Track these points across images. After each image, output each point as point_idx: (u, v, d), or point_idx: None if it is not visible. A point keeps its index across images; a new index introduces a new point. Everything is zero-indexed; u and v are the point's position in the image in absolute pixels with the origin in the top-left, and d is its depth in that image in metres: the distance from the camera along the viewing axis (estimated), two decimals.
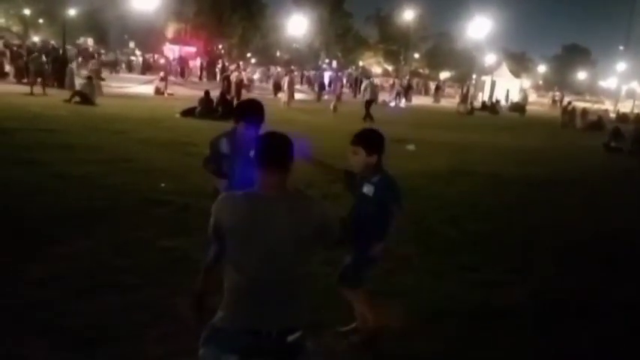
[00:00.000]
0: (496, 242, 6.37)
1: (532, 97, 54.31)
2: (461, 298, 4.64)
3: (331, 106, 22.25)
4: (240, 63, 42.30)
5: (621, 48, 66.00)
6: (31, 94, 17.40)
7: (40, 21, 52.29)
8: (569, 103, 31.93)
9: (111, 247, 4.90)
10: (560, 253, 6.18)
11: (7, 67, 23.27)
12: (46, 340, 3.40)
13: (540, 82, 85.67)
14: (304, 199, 2.32)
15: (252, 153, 3.36)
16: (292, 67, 30.34)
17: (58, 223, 5.51)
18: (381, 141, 3.64)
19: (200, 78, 38.72)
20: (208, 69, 40.80)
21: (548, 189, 9.85)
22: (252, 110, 3.69)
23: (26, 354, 3.25)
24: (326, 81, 35.44)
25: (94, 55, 34.26)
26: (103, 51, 43.96)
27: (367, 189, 3.51)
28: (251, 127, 3.53)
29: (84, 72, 20.35)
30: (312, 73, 46.39)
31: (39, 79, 18.60)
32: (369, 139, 3.61)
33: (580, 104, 36.69)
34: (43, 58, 20.79)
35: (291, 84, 23.78)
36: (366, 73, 54.77)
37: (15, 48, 26.27)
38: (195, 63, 43.51)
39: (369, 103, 20.64)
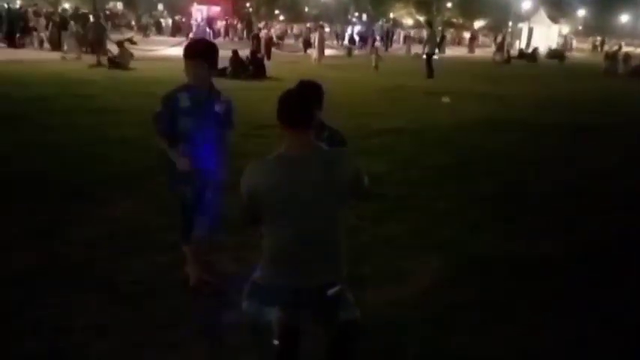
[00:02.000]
0: (534, 193, 6.27)
1: (572, 42, 52.27)
2: (498, 248, 4.62)
3: (373, 63, 21.03)
4: (269, 21, 41.84)
5: None
6: (99, 63, 17.03)
7: None
8: (620, 47, 30.42)
9: (153, 207, 5.03)
10: (598, 202, 6.05)
11: (43, 36, 23.53)
12: (97, 296, 3.54)
13: (580, 27, 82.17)
14: (335, 153, 2.33)
15: (217, 108, 3.35)
16: (321, 23, 29.76)
17: (101, 185, 5.67)
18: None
19: (225, 36, 38.50)
20: (237, 27, 40.51)
21: (587, 136, 9.58)
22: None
23: (79, 309, 3.40)
24: (355, 36, 34.85)
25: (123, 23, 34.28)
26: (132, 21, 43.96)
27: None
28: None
29: (115, 36, 20.40)
30: (339, 27, 45.67)
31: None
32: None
33: (624, 48, 35.13)
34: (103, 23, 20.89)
35: (321, 40, 23.43)
36: (397, 24, 53.48)
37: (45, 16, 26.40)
38: (223, 22, 43.19)
39: (429, 57, 18.62)
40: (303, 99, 2.27)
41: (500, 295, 3.86)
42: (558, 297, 3.88)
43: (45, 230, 4.51)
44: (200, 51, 3.34)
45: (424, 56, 19.73)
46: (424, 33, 39.46)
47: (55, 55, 19.31)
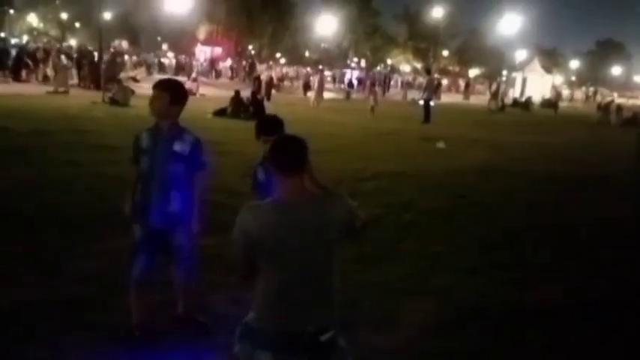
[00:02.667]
0: (529, 240, 6.31)
1: (565, 92, 53.20)
2: (494, 296, 4.62)
3: (369, 107, 21.14)
4: (270, 63, 42.66)
5: None
6: (112, 101, 17.06)
7: (77, 25, 53.58)
8: (612, 101, 31.05)
9: None
10: (595, 251, 6.09)
11: (49, 72, 23.92)
12: (86, 336, 3.52)
13: (573, 78, 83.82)
14: (327, 198, 2.33)
15: (178, 147, 3.31)
16: (321, 67, 30.39)
17: (98, 221, 5.69)
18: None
19: (231, 78, 39.13)
20: (239, 69, 41.23)
21: (583, 186, 9.69)
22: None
23: (66, 349, 3.38)
24: (354, 80, 35.49)
25: (124, 58, 34.85)
26: (134, 57, 44.69)
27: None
28: None
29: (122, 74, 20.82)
30: (337, 71, 46.59)
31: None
32: (282, 127, 3.43)
33: (615, 101, 35.81)
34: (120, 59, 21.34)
35: (320, 83, 23.88)
36: (394, 70, 54.54)
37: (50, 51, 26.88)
38: (225, 64, 44.00)
39: (427, 103, 19.33)
40: (297, 145, 2.28)
41: (494, 343, 3.84)
42: (554, 346, 3.87)
43: (43, 265, 4.51)
44: (163, 83, 3.42)
45: (421, 102, 20.13)
46: (420, 79, 40.32)
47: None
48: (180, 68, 39.70)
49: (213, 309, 3.97)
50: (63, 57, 21.94)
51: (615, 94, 40.22)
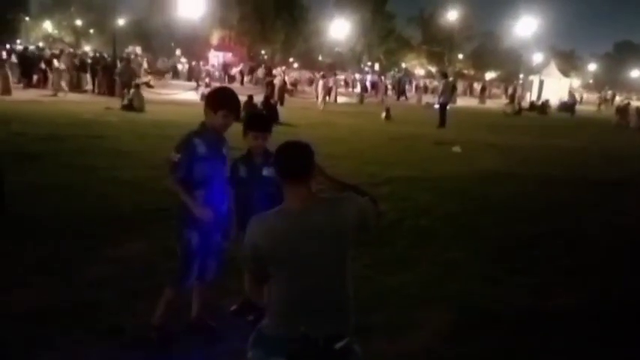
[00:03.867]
0: (545, 246, 6.18)
1: (583, 96, 52.68)
2: (511, 302, 4.53)
3: (382, 116, 20.66)
4: (284, 68, 42.78)
5: None
6: (128, 106, 16.98)
7: (91, 31, 54.25)
8: (628, 103, 30.62)
9: (161, 250, 5.00)
10: (612, 258, 5.95)
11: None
12: (97, 341, 3.50)
13: (591, 81, 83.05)
14: (336, 202, 2.29)
15: (225, 151, 3.39)
16: (323, 73, 30.56)
17: (110, 226, 5.68)
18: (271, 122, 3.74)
19: (241, 82, 39.28)
20: (250, 73, 41.35)
21: (601, 191, 9.52)
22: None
23: (79, 355, 3.36)
24: (367, 83, 35.46)
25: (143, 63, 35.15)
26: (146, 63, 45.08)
27: (268, 172, 3.45)
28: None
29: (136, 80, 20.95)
30: (350, 75, 46.68)
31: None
32: (266, 122, 3.70)
33: (634, 103, 35.36)
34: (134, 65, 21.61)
35: (324, 87, 24.00)
36: (409, 74, 54.43)
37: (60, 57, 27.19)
38: (238, 69, 44.19)
39: (443, 107, 19.01)
40: (302, 150, 2.24)
41: (510, 349, 3.76)
42: (569, 353, 3.78)
43: (54, 270, 4.51)
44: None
45: (436, 106, 19.99)
46: (435, 83, 40.18)
47: (72, 96, 19.74)
48: (193, 74, 39.89)
49: (225, 315, 3.91)
50: (55, 61, 22.10)
51: (634, 97, 39.63)
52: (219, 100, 3.37)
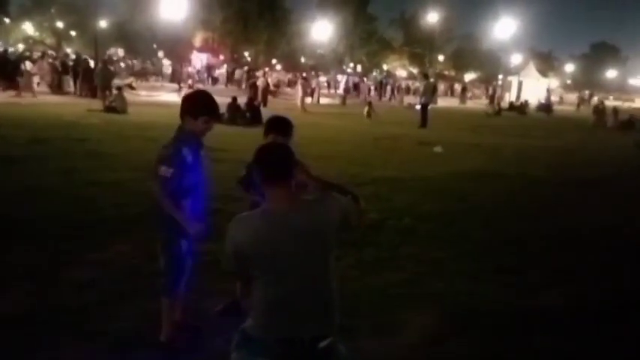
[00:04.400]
0: (530, 244, 6.26)
1: (559, 96, 53.32)
2: (496, 300, 4.57)
3: (365, 111, 21.61)
4: (267, 69, 42.71)
5: None
6: (108, 108, 16.84)
7: (72, 33, 53.61)
8: (602, 102, 31.14)
9: (145, 252, 4.98)
10: (597, 255, 6.04)
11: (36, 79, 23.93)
12: (83, 344, 3.48)
13: (569, 82, 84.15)
14: (316, 203, 2.30)
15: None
16: (304, 75, 30.59)
17: (94, 229, 5.65)
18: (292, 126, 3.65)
19: (227, 85, 39.14)
20: (232, 75, 41.22)
21: (582, 190, 9.67)
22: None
23: (67, 357, 3.34)
24: (350, 85, 35.54)
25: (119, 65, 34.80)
26: (134, 61, 44.70)
27: None
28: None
29: (115, 81, 20.76)
30: (332, 77, 46.80)
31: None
32: (287, 125, 3.58)
33: (610, 103, 35.95)
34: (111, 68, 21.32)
35: (304, 89, 24.08)
36: (390, 76, 54.70)
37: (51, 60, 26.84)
38: (221, 70, 44.03)
39: (424, 108, 19.24)
40: (282, 152, 2.26)
41: (496, 349, 3.80)
42: (557, 352, 3.83)
43: (38, 273, 4.47)
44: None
45: (417, 106, 20.14)
46: (417, 84, 40.44)
47: (53, 99, 19.51)
48: (175, 75, 39.64)
49: (209, 316, 3.92)
50: (27, 63, 21.82)
51: (611, 97, 40.25)
52: (200, 106, 3.29)
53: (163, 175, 3.14)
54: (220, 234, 4.41)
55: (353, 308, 3.79)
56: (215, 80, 40.89)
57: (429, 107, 19.81)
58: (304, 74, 31.37)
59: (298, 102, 23.62)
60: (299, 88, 24.54)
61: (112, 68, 22.89)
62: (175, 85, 30.12)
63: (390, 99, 36.23)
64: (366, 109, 21.86)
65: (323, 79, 44.65)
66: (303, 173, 2.36)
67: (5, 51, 27.18)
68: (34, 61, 25.12)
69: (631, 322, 4.40)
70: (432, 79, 25.78)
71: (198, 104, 3.31)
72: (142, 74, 38.99)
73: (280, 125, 3.56)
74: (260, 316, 2.23)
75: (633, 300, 4.83)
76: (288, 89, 38.16)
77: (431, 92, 20.40)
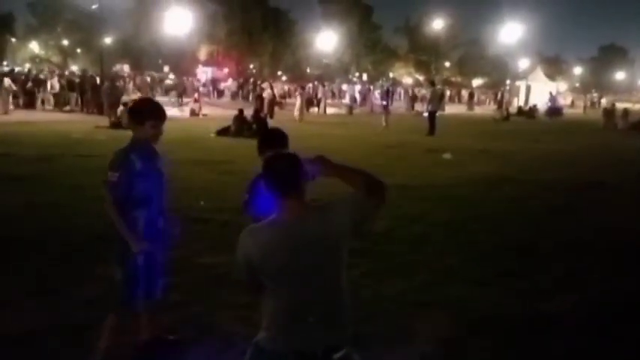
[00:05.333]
0: (542, 250, 6.18)
1: (569, 99, 53.08)
2: (507, 307, 4.51)
3: (383, 123, 21.20)
4: (271, 81, 42.89)
5: None
6: (115, 124, 16.64)
7: (78, 50, 54.19)
8: (613, 105, 30.87)
9: None
10: (609, 258, 5.95)
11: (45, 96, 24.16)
12: None
13: (577, 85, 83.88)
14: (326, 210, 2.23)
15: (160, 165, 3.22)
16: (302, 85, 30.61)
17: (102, 244, 5.59)
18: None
19: (233, 98, 39.29)
20: (241, 88, 41.35)
21: (593, 193, 9.55)
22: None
23: None
24: (357, 94, 35.59)
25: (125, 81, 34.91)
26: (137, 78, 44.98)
27: None
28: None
29: (124, 98, 20.88)
30: (337, 87, 46.94)
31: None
32: (282, 137, 3.31)
33: (621, 105, 35.70)
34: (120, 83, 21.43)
35: (302, 100, 24.17)
36: (396, 83, 54.76)
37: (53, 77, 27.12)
38: (227, 84, 44.21)
39: (432, 115, 19.17)
40: (289, 164, 2.20)
41: (509, 355, 3.75)
42: (569, 358, 3.77)
43: (46, 289, 4.46)
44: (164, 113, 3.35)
45: (425, 114, 20.08)
46: (423, 91, 40.43)
47: (60, 116, 19.65)
48: (182, 90, 39.78)
49: (220, 327, 3.86)
50: (6, 80, 21.92)
51: (611, 99, 40.07)
52: (145, 111, 3.26)
53: (110, 180, 3.09)
54: (229, 247, 4.35)
55: (365, 317, 3.75)
56: (220, 93, 41.05)
57: (437, 114, 19.75)
58: (301, 85, 31.35)
59: (296, 112, 23.63)
60: (297, 99, 24.59)
61: (119, 84, 23.04)
62: (180, 100, 30.16)
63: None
64: (383, 117, 21.66)
65: (327, 88, 44.76)
66: (330, 167, 2.28)
67: (12, 70, 27.45)
68: (41, 81, 25.37)
69: None
70: (438, 87, 25.75)
71: (143, 110, 3.28)
72: (149, 89, 38.99)
73: (275, 139, 3.29)
74: (272, 328, 2.19)
75: None
76: (291, 100, 38.26)
77: (438, 99, 20.32)
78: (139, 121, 3.20)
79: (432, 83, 23.64)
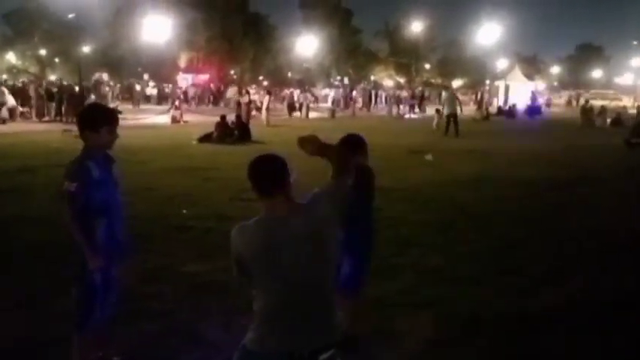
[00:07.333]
0: (527, 247, 6.24)
1: (549, 98, 53.70)
2: (495, 305, 4.54)
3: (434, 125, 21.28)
4: (254, 86, 42.79)
5: (635, 43, 65.09)
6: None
7: (56, 60, 53.54)
8: (587, 101, 31.39)
9: (138, 275, 4.90)
10: (594, 254, 6.02)
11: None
12: None
13: (555, 84, 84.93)
14: (311, 207, 2.23)
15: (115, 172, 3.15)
16: (268, 89, 30.55)
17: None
18: (363, 142, 3.79)
19: (215, 104, 39.09)
20: (219, 95, 41.15)
21: (575, 190, 9.66)
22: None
23: None
24: (339, 98, 35.65)
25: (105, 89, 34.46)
26: (115, 84, 44.58)
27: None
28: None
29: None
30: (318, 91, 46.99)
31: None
32: (352, 142, 3.70)
33: (598, 102, 36.22)
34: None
35: (269, 104, 24.09)
36: (378, 86, 55.02)
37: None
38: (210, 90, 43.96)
39: (449, 118, 19.88)
40: (274, 165, 2.22)
41: (496, 353, 3.77)
42: (557, 354, 3.81)
43: (30, 304, 4.39)
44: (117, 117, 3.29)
45: (406, 116, 20.23)
46: (404, 94, 40.62)
47: (39, 126, 19.40)
48: (163, 97, 39.53)
49: (206, 335, 3.83)
50: None
51: (598, 97, 40.63)
52: (99, 117, 3.16)
53: (68, 190, 2.97)
54: (213, 254, 4.36)
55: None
56: (201, 100, 40.80)
57: (416, 115, 19.98)
58: (267, 89, 31.26)
59: (262, 117, 23.58)
60: (264, 104, 24.59)
61: (103, 92, 22.77)
62: (163, 107, 29.97)
63: (368, 110, 36.16)
64: (435, 120, 21.39)
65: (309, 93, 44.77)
66: (321, 149, 2.30)
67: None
68: (18, 90, 25.05)
69: (632, 319, 4.37)
70: (419, 88, 26.09)
71: (97, 116, 3.18)
72: (130, 98, 38.55)
73: (359, 144, 3.74)
74: (259, 328, 2.19)
75: (633, 298, 4.80)
76: (278, 105, 38.19)
77: (452, 102, 20.71)
78: (94, 128, 3.08)
79: (446, 88, 24.08)
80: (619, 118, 26.45)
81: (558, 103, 54.58)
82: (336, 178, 2.30)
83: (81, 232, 2.99)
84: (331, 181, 2.29)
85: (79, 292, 3.13)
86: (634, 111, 34.03)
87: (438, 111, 22.01)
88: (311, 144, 2.33)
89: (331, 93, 37.60)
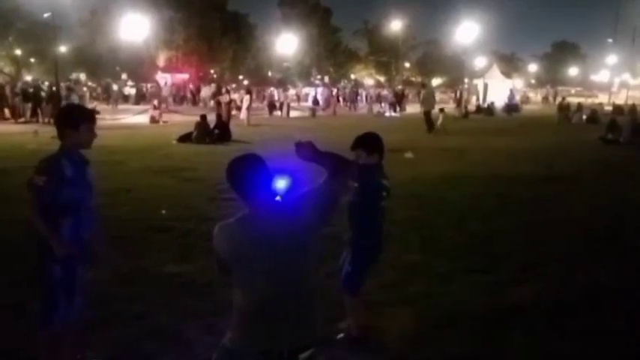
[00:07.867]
0: (503, 243, 6.33)
1: (526, 95, 54.37)
2: (472, 301, 4.61)
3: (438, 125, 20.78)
4: (233, 85, 42.56)
5: (610, 41, 66.12)
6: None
7: (32, 60, 52.72)
8: (563, 99, 31.89)
9: (117, 277, 4.89)
10: (566, 250, 6.13)
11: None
12: None
13: (532, 81, 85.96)
14: (292, 207, 2.26)
15: (90, 174, 3.12)
16: (249, 88, 30.40)
17: None
18: (380, 141, 3.88)
19: (194, 103, 38.81)
20: (199, 95, 40.86)
21: (550, 186, 9.82)
22: None
23: None
24: (319, 97, 35.65)
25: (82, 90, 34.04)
26: (93, 85, 44.06)
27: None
28: None
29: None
30: (300, 90, 46.91)
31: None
32: (368, 141, 3.83)
33: (574, 99, 36.77)
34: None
35: (249, 103, 24.02)
36: (359, 85, 55.16)
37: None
38: (188, 89, 43.65)
39: (427, 115, 20.51)
40: (253, 166, 2.23)
41: (474, 349, 3.82)
42: (533, 348, 3.86)
43: (7, 306, 4.35)
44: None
45: (387, 114, 20.36)
46: (384, 92, 40.80)
47: (15, 127, 19.10)
48: (141, 97, 39.08)
49: (186, 337, 3.83)
50: None
51: (573, 91, 41.17)
52: (77, 115, 3.15)
53: (36, 184, 2.92)
54: (193, 255, 4.32)
55: (331, 317, 3.78)
56: (182, 100, 40.52)
57: (397, 114, 20.15)
58: (247, 89, 31.10)
59: (243, 116, 23.52)
60: (243, 103, 24.52)
61: (80, 94, 22.47)
62: (140, 107, 29.63)
63: (350, 109, 36.32)
64: (439, 120, 21.21)
65: (292, 92, 44.68)
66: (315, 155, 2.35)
67: None
68: None
69: (604, 312, 4.47)
70: (399, 86, 26.41)
71: (75, 115, 3.18)
72: (107, 98, 38.15)
73: (374, 142, 3.84)
74: (238, 327, 2.20)
75: (605, 292, 4.91)
76: (259, 104, 38.06)
77: (430, 98, 21.47)
78: (73, 126, 3.06)
79: (424, 86, 24.36)
80: (595, 115, 26.87)
81: (536, 101, 55.25)
82: (332, 178, 2.31)
83: (43, 222, 2.94)
84: (326, 180, 2.30)
85: (39, 286, 3.09)
86: (609, 108, 34.68)
87: (442, 110, 22.12)
88: (307, 150, 2.35)
89: (314, 92, 37.56)
